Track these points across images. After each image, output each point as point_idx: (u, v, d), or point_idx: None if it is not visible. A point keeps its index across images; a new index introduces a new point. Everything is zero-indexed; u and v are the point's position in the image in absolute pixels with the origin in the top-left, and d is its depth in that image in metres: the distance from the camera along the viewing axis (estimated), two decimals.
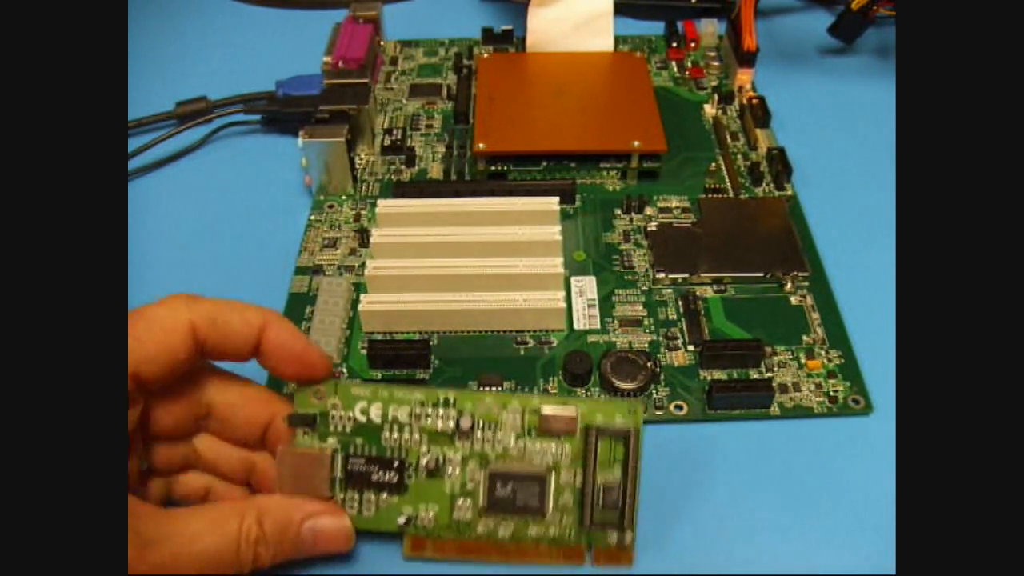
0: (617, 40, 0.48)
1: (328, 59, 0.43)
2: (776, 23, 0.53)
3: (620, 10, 0.49)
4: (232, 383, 0.28)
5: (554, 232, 0.34)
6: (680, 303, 0.35)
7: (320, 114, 0.40)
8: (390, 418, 0.27)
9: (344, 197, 0.40)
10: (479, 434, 0.27)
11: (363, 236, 0.38)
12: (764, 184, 0.41)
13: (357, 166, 0.42)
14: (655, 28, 0.52)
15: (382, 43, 0.50)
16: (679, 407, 0.31)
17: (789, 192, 0.40)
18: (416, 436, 0.27)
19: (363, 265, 0.35)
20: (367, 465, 0.27)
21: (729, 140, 0.43)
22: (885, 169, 0.42)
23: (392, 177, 0.42)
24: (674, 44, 0.50)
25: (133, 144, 0.42)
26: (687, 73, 0.48)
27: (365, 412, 0.27)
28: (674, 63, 0.49)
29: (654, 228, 0.38)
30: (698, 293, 0.36)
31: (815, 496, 0.29)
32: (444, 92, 0.47)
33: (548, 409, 0.27)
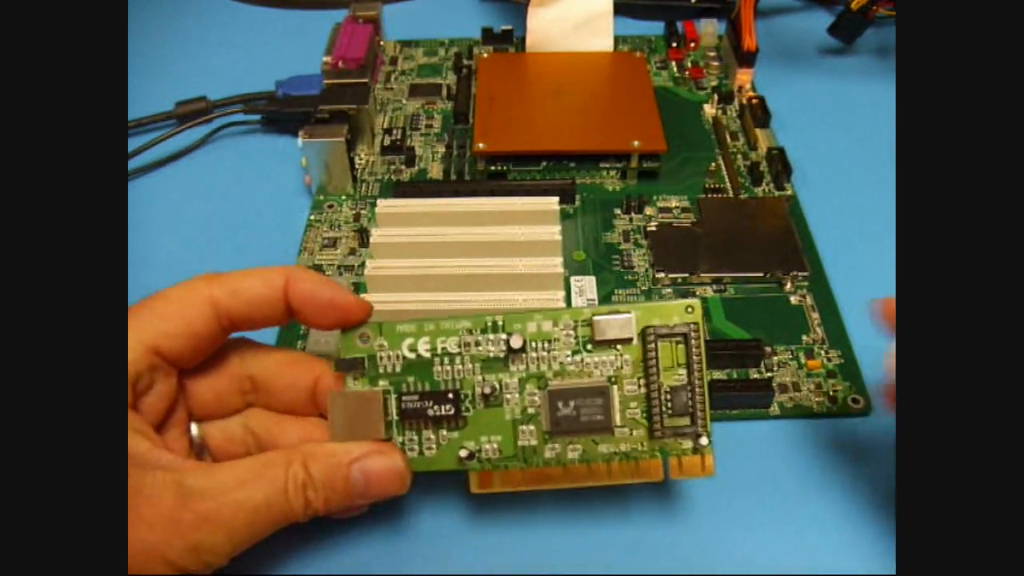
0: (617, 40, 0.48)
1: (328, 59, 0.43)
2: (776, 23, 0.53)
3: (620, 10, 0.49)
4: (270, 351, 0.28)
5: (554, 232, 0.34)
6: None
7: (320, 114, 0.40)
8: (439, 351, 0.26)
9: (344, 197, 0.40)
10: (533, 354, 0.26)
11: (363, 236, 0.38)
12: (764, 184, 0.41)
13: (357, 166, 0.42)
14: (655, 28, 0.52)
15: (382, 43, 0.50)
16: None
17: (789, 192, 0.40)
18: (469, 365, 0.26)
19: (363, 265, 0.35)
20: (421, 401, 0.26)
21: (729, 140, 0.43)
22: (885, 169, 0.42)
23: (392, 177, 0.42)
24: (674, 44, 0.50)
25: (133, 144, 0.42)
26: (687, 73, 0.48)
27: (413, 348, 0.26)
28: (674, 63, 0.49)
29: (654, 228, 0.38)
30: (698, 293, 0.36)
31: (815, 496, 0.29)
32: (444, 92, 0.47)
33: (601, 317, 0.26)
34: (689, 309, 0.26)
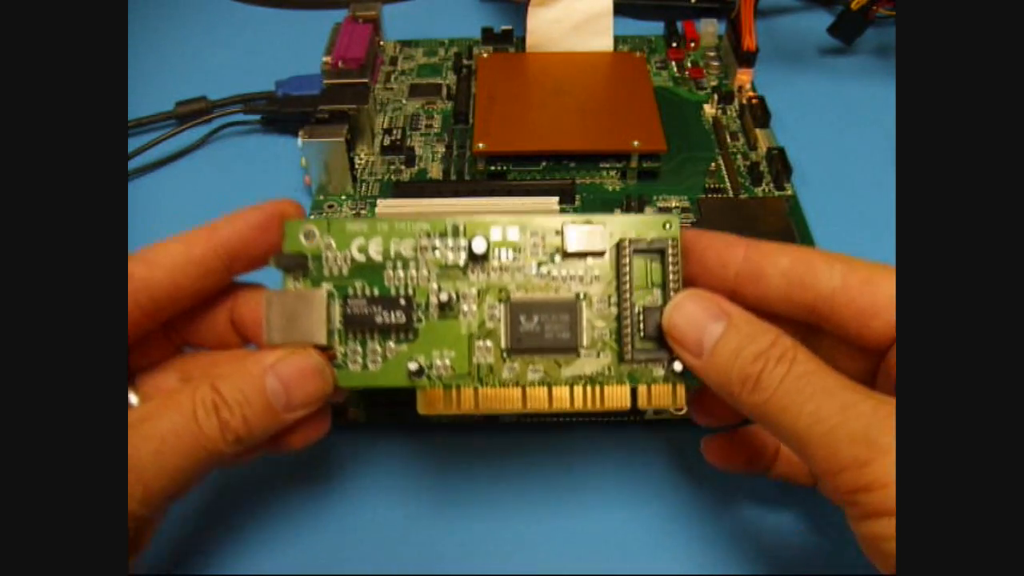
0: (617, 40, 0.48)
1: (328, 59, 0.43)
2: (776, 23, 0.53)
3: (620, 10, 0.49)
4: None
5: None
6: None
7: (320, 114, 0.40)
8: (392, 254, 0.24)
9: (344, 197, 0.40)
10: (495, 263, 0.24)
11: None
12: (764, 184, 0.41)
13: (357, 166, 0.42)
14: (655, 28, 0.52)
15: (382, 43, 0.50)
16: (678, 407, 0.31)
17: (789, 192, 0.40)
18: (424, 272, 0.24)
19: None
20: (370, 306, 0.24)
21: (729, 140, 0.43)
22: (885, 169, 0.42)
23: (392, 177, 0.42)
24: (674, 44, 0.50)
25: (133, 144, 0.42)
26: (687, 73, 0.48)
27: (363, 250, 0.24)
28: (674, 63, 0.49)
29: None
30: None
31: (815, 495, 0.29)
32: (444, 92, 0.47)
33: (573, 227, 0.24)
34: (667, 225, 0.24)
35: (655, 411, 0.31)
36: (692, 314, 0.23)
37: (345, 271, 0.24)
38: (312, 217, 0.25)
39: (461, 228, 0.24)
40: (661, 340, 0.24)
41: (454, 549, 0.28)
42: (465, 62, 0.49)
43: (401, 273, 0.24)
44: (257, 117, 0.45)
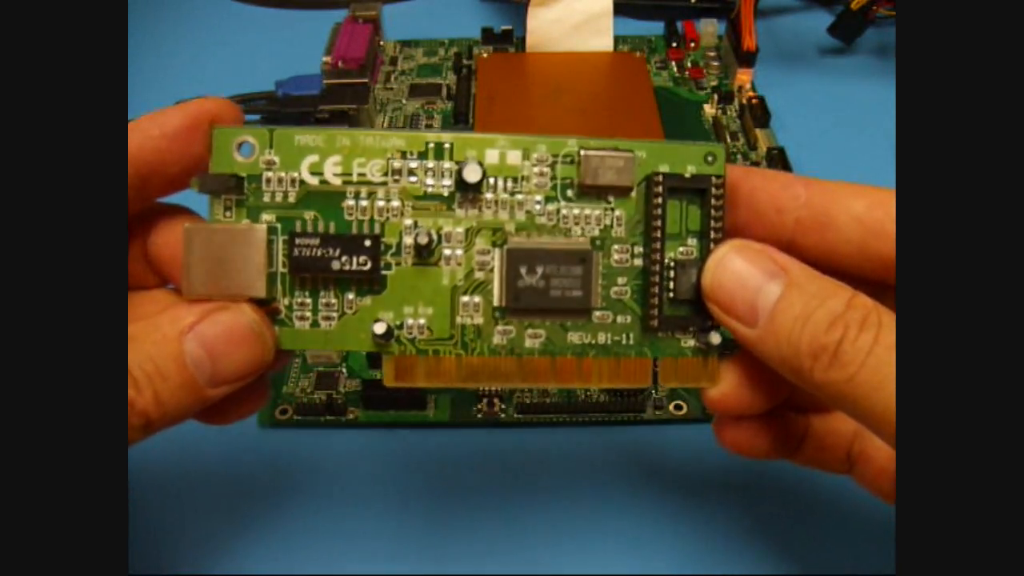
0: (617, 40, 0.48)
1: (328, 59, 0.43)
2: (776, 23, 0.53)
3: (620, 10, 0.49)
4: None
5: None
6: None
7: (320, 114, 0.40)
8: (355, 178, 0.19)
9: None
10: (490, 195, 0.19)
11: None
12: None
13: None
14: (655, 28, 0.52)
15: (382, 43, 0.50)
16: (679, 407, 0.31)
17: None
18: (396, 203, 0.19)
19: None
20: (324, 247, 0.19)
21: (729, 140, 0.43)
22: (885, 169, 0.42)
23: None
24: (674, 44, 0.50)
25: None
26: (687, 73, 0.48)
27: (317, 171, 0.19)
28: (674, 63, 0.49)
29: None
30: None
31: (814, 495, 0.29)
32: (444, 92, 0.47)
33: (594, 152, 0.19)
34: (710, 157, 0.19)
35: (656, 411, 0.31)
36: (741, 271, 0.18)
37: (292, 198, 0.19)
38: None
39: (447, 147, 0.19)
40: (696, 303, 0.19)
41: (453, 549, 0.28)
42: (465, 62, 0.49)
43: (366, 204, 0.19)
44: (257, 117, 0.45)
